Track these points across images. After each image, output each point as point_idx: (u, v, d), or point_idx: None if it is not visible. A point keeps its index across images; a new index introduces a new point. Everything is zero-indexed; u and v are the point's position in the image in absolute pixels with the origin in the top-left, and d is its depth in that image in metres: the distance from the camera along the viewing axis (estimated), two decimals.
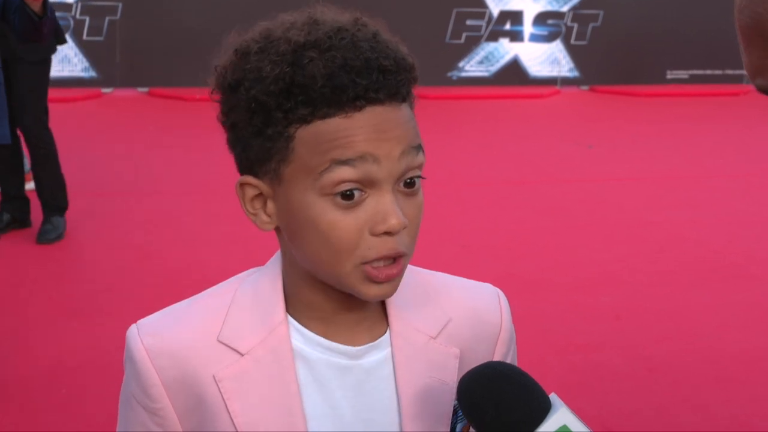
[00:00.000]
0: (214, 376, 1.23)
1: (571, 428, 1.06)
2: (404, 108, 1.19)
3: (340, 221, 1.14)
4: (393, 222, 1.14)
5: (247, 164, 1.21)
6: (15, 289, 5.17)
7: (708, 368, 4.51)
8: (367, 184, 1.14)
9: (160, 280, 5.37)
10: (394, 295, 1.27)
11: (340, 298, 1.23)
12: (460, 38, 13.47)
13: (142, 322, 1.28)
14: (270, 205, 1.21)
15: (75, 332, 4.66)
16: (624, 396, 4.19)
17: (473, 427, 1.11)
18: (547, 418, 1.07)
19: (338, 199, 1.14)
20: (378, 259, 1.16)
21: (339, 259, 1.15)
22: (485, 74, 13.71)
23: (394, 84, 1.17)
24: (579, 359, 4.53)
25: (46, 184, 5.90)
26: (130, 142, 9.16)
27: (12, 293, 5.11)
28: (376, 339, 1.27)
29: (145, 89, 12.09)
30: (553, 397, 1.10)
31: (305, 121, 1.15)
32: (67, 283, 5.36)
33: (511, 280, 5.50)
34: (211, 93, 1.24)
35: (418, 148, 1.17)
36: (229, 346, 1.24)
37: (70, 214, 6.19)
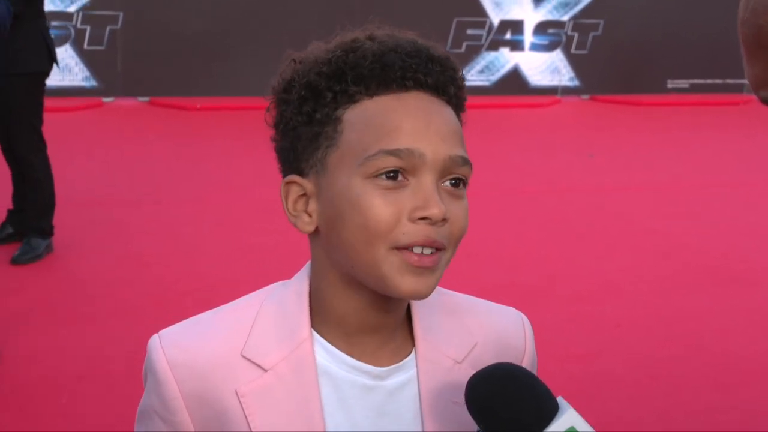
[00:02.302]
0: (236, 391, 1.21)
1: (578, 429, 1.07)
2: (450, 110, 1.21)
3: (379, 202, 1.14)
4: (434, 210, 1.13)
5: (295, 161, 1.22)
6: (16, 298, 5.17)
7: (709, 375, 4.50)
8: (411, 171, 1.15)
9: (160, 289, 5.37)
10: (421, 315, 1.28)
11: (369, 310, 1.22)
12: (460, 47, 13.49)
13: (164, 332, 1.26)
14: (312, 204, 1.21)
15: (75, 340, 4.66)
16: (625, 403, 4.19)
17: (482, 428, 1.11)
18: (555, 419, 1.07)
19: (381, 179, 1.14)
20: (412, 246, 1.14)
21: (373, 242, 1.14)
22: (486, 84, 13.72)
23: (441, 75, 1.20)
24: (580, 368, 4.53)
25: (32, 206, 5.76)
26: (130, 151, 9.16)
27: (13, 302, 5.10)
28: (401, 360, 1.26)
29: (146, 98, 12.10)
30: (560, 400, 1.10)
31: (353, 100, 1.17)
32: (67, 292, 5.35)
33: (513, 289, 5.50)
34: (267, 111, 1.26)
35: (465, 160, 1.18)
36: (253, 362, 1.22)
37: (70, 222, 6.19)
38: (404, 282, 1.16)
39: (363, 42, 1.21)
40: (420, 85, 1.19)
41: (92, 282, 5.49)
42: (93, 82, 12.08)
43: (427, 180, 1.15)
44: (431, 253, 1.16)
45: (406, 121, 1.16)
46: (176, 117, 11.26)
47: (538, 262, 6.14)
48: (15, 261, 5.64)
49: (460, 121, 1.24)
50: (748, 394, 4.31)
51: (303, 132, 1.20)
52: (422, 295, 1.18)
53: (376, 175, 1.15)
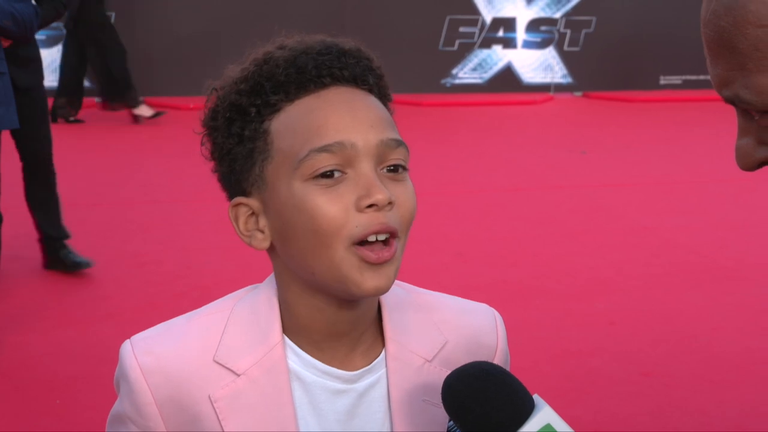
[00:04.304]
0: (209, 396, 1.22)
1: (555, 427, 1.07)
2: (374, 99, 1.22)
3: (323, 200, 1.14)
4: (379, 196, 1.13)
5: (236, 183, 1.23)
6: (10, 299, 5.17)
7: (702, 371, 4.52)
8: (347, 164, 1.16)
9: (156, 288, 5.37)
10: (391, 315, 1.28)
11: (336, 316, 1.23)
12: (453, 45, 13.51)
13: (136, 338, 1.27)
14: (262, 220, 1.22)
15: (71, 341, 4.66)
16: (618, 401, 4.20)
17: (458, 426, 1.12)
18: (531, 417, 1.08)
19: (319, 180, 1.15)
20: (368, 236, 1.14)
21: (329, 243, 1.15)
22: (478, 81, 13.74)
23: (357, 67, 1.21)
24: (573, 365, 4.54)
25: (54, 212, 5.61)
26: (124, 151, 9.16)
27: (7, 303, 5.10)
28: (372, 362, 1.27)
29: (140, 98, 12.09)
30: (536, 397, 1.11)
31: (276, 109, 1.19)
32: (62, 292, 5.36)
33: (505, 287, 5.51)
34: (202, 145, 1.27)
35: (398, 142, 1.19)
36: (225, 366, 1.23)
37: (66, 222, 6.18)
38: (365, 280, 1.16)
39: (274, 52, 1.22)
40: (337, 80, 1.20)
41: (89, 281, 5.49)
42: (86, 83, 12.06)
43: (364, 168, 1.15)
44: (385, 240, 1.16)
45: (331, 116, 1.16)
46: (170, 117, 11.25)
47: (530, 260, 6.15)
48: (84, 266, 5.54)
49: (389, 111, 1.24)
50: (741, 392, 4.32)
51: (237, 152, 1.21)
52: (384, 290, 1.18)
53: (314, 176, 1.15)
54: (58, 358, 4.49)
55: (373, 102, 1.21)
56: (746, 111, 1.09)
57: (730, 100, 1.08)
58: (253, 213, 1.23)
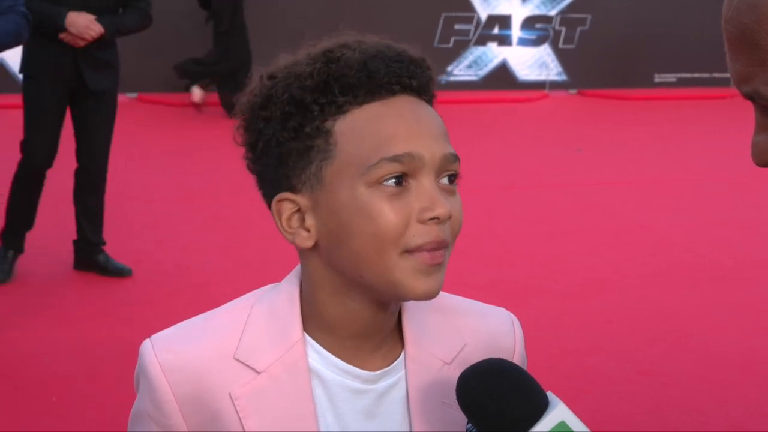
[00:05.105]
0: (230, 394, 1.22)
1: (569, 424, 1.07)
2: (433, 109, 1.24)
3: (387, 208, 1.15)
4: (441, 210, 1.15)
5: (284, 178, 1.21)
6: (5, 297, 5.16)
7: (699, 370, 4.53)
8: (411, 174, 1.17)
9: (154, 287, 5.37)
10: (411, 317, 1.29)
11: (367, 316, 1.23)
12: (448, 42, 13.50)
13: (156, 336, 1.27)
14: (309, 218, 1.21)
15: (69, 339, 4.66)
16: (616, 400, 4.21)
17: (473, 424, 1.12)
18: (546, 414, 1.08)
19: (386, 186, 1.16)
20: (423, 246, 1.16)
21: (386, 249, 1.15)
22: (474, 78, 13.74)
23: (422, 76, 1.22)
24: (570, 364, 4.54)
25: (99, 219, 5.59)
26: (119, 148, 9.12)
27: (6, 301, 5.09)
28: (391, 363, 1.27)
29: (134, 95, 12.08)
30: (550, 395, 1.11)
31: (342, 111, 1.18)
32: (61, 291, 5.35)
33: (501, 286, 5.51)
34: (236, 130, 1.25)
35: (456, 156, 1.21)
36: (246, 364, 1.23)
37: (61, 220, 6.18)
38: (418, 284, 1.17)
39: (341, 51, 1.20)
40: (405, 89, 1.20)
41: (85, 281, 5.49)
42: None
43: (427, 180, 1.17)
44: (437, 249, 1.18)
45: (400, 126, 1.17)
46: (164, 113, 11.24)
47: (526, 259, 6.16)
48: (125, 274, 5.51)
49: None
50: (739, 391, 4.33)
51: (292, 148, 1.19)
52: (434, 294, 1.19)
53: (380, 182, 1.16)
54: (56, 357, 4.49)
55: (434, 113, 1.23)
56: (765, 107, 1.10)
57: (749, 96, 1.09)
58: (298, 210, 1.21)
